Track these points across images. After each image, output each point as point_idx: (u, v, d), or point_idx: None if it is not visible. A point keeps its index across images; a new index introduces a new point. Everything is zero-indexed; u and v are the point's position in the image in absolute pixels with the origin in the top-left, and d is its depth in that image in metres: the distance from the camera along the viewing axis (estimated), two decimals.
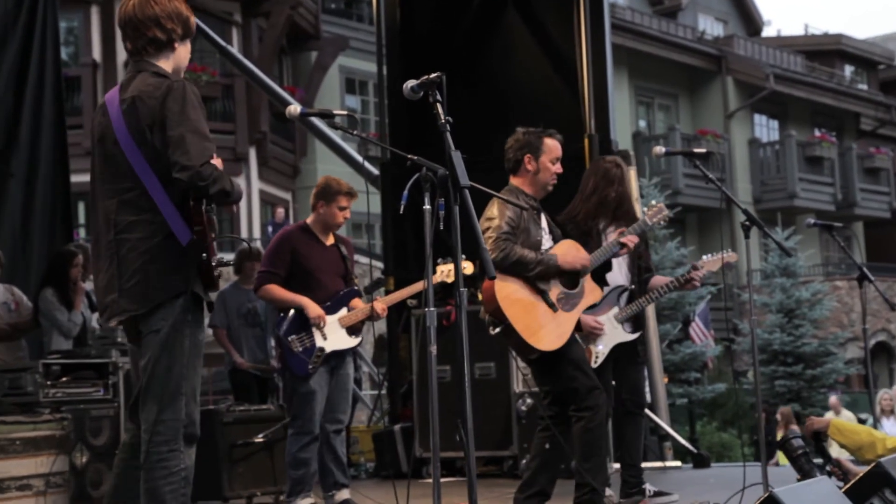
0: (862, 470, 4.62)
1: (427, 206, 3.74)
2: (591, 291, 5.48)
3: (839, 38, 34.50)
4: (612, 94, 9.17)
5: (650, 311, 8.46)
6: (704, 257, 6.14)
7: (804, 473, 4.98)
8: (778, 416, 15.86)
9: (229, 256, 8.99)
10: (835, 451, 5.31)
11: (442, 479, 3.72)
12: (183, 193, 3.74)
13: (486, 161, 5.72)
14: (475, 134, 6.50)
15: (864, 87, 34.72)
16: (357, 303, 6.23)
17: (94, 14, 20.38)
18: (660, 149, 5.70)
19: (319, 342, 6.06)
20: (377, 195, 9.87)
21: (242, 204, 21.39)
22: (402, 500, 4.60)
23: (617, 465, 6.40)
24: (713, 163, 5.91)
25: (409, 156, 3.80)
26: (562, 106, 9.00)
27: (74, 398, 6.16)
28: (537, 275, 5.22)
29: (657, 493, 6.18)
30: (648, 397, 8.00)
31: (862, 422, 14.44)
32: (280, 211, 21.62)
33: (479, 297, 5.35)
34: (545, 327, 5.20)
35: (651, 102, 29.88)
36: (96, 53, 20.32)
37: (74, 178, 8.56)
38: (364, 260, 16.88)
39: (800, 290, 22.66)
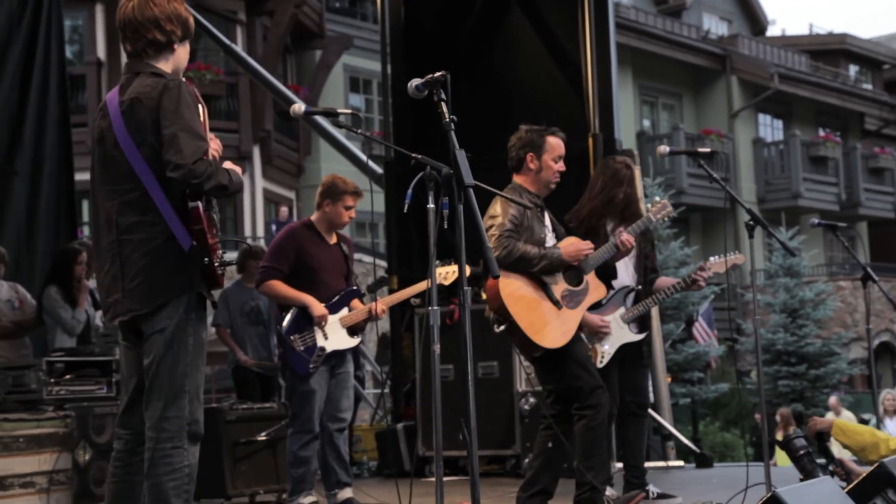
0: (865, 470, 4.61)
1: (431, 205, 3.74)
2: (595, 288, 5.48)
3: (844, 38, 34.45)
4: (616, 94, 9.16)
5: (654, 310, 8.44)
6: (711, 259, 6.07)
7: (807, 473, 4.98)
8: (777, 418, 15.83)
9: (232, 255, 9.01)
10: (837, 451, 5.30)
11: (445, 478, 3.73)
12: (182, 192, 3.74)
13: (491, 160, 5.72)
14: (479, 133, 6.49)
15: (868, 86, 34.67)
16: (357, 304, 6.23)
17: (99, 12, 20.38)
18: (664, 148, 5.69)
19: (321, 342, 6.06)
20: (381, 194, 9.88)
21: (246, 202, 21.41)
22: (404, 499, 4.60)
23: (620, 465, 6.39)
24: (717, 162, 5.91)
25: (414, 154, 3.80)
26: (566, 105, 9.00)
27: (78, 396, 6.16)
28: (541, 269, 5.22)
29: (661, 496, 6.15)
30: (651, 397, 7.99)
31: (864, 422, 14.43)
32: (284, 209, 21.61)
33: (483, 295, 5.34)
34: (549, 324, 5.20)
35: (655, 102, 29.86)
36: (101, 52, 20.32)
37: (79, 177, 8.56)
38: (367, 259, 16.88)
39: (803, 290, 22.62)
